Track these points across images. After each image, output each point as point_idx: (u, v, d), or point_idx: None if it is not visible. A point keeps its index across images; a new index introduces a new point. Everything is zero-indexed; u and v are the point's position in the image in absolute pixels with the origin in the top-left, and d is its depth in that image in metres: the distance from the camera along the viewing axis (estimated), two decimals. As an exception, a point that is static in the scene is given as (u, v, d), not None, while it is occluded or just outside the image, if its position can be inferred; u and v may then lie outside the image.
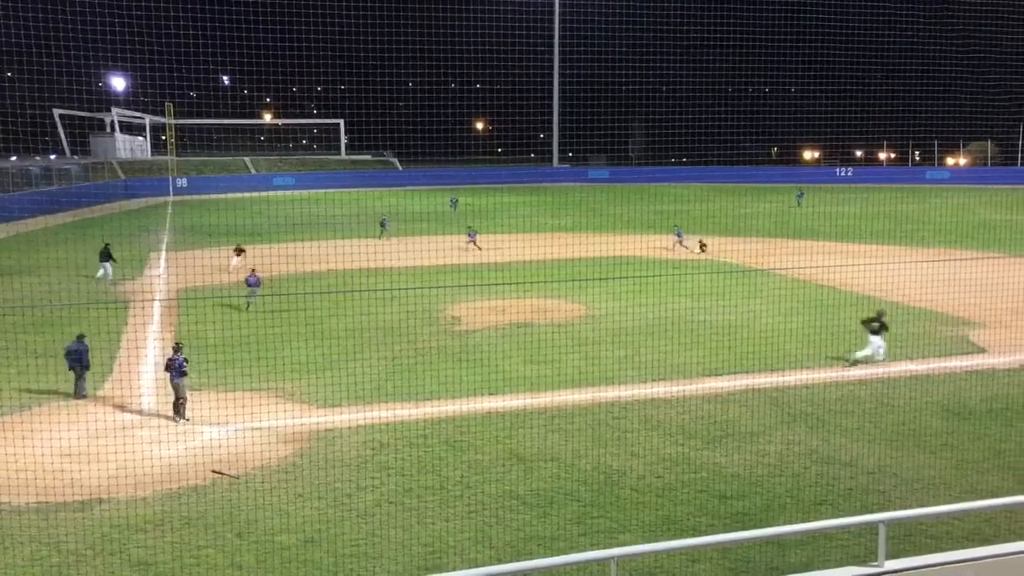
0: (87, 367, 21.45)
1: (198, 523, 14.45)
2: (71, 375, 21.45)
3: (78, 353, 21.35)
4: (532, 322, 28.84)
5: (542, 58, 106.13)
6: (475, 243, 46.81)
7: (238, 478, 16.32)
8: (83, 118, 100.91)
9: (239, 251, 39.74)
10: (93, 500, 15.37)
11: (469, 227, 48.30)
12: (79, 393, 21.30)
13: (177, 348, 20.21)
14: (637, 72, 73.93)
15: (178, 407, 19.71)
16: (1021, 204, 66.39)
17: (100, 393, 21.76)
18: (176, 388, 19.66)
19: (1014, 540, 8.91)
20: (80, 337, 21.82)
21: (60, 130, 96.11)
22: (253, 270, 32.82)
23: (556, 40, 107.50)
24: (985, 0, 48.83)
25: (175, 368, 19.60)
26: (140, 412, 20.38)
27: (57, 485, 15.82)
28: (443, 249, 46.02)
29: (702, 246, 45.97)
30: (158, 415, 20.06)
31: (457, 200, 73.33)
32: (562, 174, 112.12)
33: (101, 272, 38.02)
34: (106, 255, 38.43)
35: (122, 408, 20.58)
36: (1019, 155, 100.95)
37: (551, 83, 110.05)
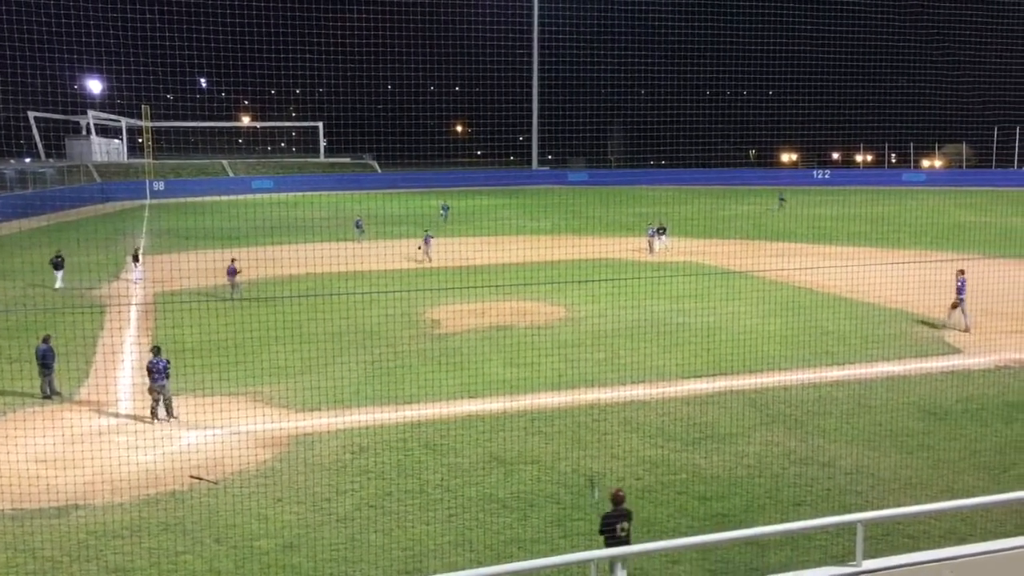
0: (46, 366, 21.55)
1: (176, 529, 14.34)
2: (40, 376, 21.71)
3: (42, 354, 21.55)
4: (512, 325, 28.85)
5: (521, 60, 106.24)
6: (427, 250, 44.61)
7: (216, 483, 16.21)
8: (58, 121, 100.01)
9: (136, 258, 39.72)
10: (69, 506, 15.22)
11: (426, 230, 46.88)
12: (44, 392, 21.46)
13: (156, 351, 20.11)
14: (616, 74, 74.17)
15: (155, 410, 19.61)
16: (995, 206, 67.14)
17: (76, 398, 21.59)
18: (159, 391, 19.54)
19: (990, 539, 8.99)
20: (45, 339, 21.95)
21: (35, 133, 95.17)
22: (233, 260, 34.65)
23: (535, 42, 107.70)
24: (960, 4, 49.41)
25: (159, 371, 19.49)
26: (117, 417, 20.20)
27: (33, 491, 15.64)
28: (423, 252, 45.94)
29: (660, 230, 47.07)
30: (135, 420, 19.90)
31: (449, 207, 66.93)
32: (541, 176, 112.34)
33: (59, 282, 36.74)
34: (58, 263, 37.09)
35: (99, 413, 20.41)
36: (993, 158, 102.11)
37: (530, 85, 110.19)
